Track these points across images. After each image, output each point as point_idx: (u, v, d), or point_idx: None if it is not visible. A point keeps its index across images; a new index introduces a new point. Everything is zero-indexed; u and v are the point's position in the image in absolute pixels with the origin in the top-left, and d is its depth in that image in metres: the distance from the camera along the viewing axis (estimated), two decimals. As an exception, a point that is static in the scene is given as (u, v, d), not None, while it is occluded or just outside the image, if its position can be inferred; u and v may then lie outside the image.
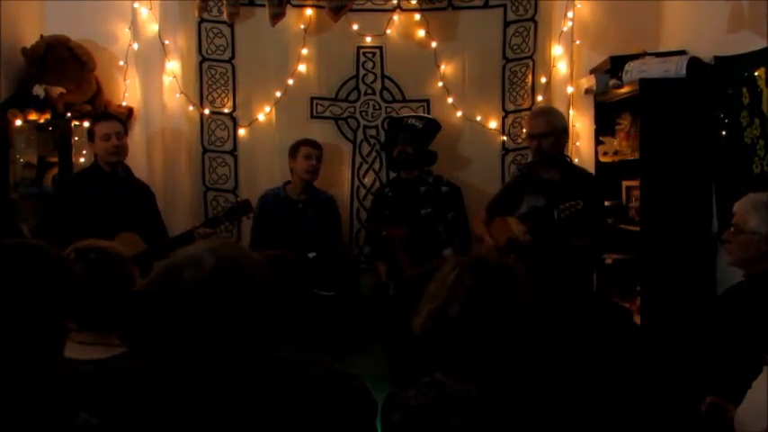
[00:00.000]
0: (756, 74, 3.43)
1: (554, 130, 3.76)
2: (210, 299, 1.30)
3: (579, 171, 3.95)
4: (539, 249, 3.49)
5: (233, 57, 4.67)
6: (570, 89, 4.60)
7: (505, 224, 3.72)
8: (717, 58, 3.81)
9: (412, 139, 4.31)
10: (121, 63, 4.67)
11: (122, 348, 1.96)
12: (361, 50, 4.67)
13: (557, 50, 4.61)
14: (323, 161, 4.38)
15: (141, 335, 1.34)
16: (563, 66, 4.61)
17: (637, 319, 3.93)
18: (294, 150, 4.33)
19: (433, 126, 4.48)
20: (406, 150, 4.28)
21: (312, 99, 4.68)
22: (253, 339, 1.35)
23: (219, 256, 1.34)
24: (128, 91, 4.67)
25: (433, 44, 4.63)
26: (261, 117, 4.67)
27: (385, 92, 4.69)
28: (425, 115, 4.57)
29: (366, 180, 4.73)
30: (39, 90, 4.32)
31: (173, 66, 4.62)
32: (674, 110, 3.84)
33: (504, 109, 4.68)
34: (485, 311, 1.64)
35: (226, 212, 4.12)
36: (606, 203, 4.30)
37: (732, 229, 2.62)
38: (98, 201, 3.81)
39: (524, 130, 4.33)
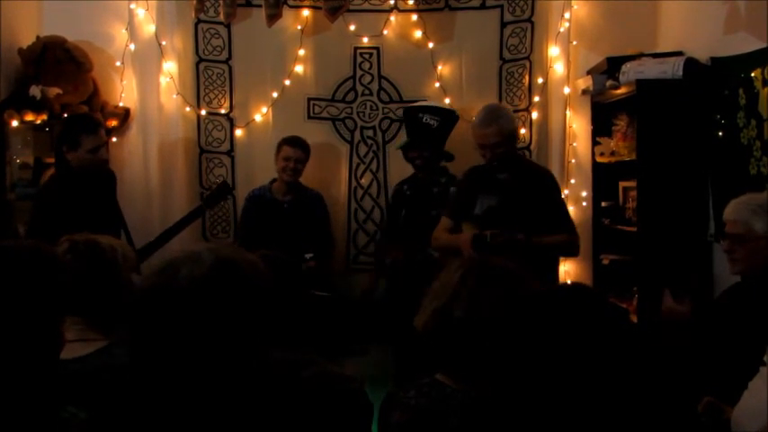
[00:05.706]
0: (753, 75, 3.43)
1: (505, 137, 3.49)
2: (207, 295, 1.30)
3: (532, 167, 3.83)
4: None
5: (230, 57, 4.66)
6: (567, 90, 4.61)
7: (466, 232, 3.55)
8: (713, 59, 3.81)
9: (428, 141, 4.21)
10: (118, 64, 4.66)
11: (103, 343, 1.95)
12: (358, 51, 4.66)
13: (554, 51, 4.61)
14: (320, 162, 4.34)
15: (137, 330, 1.34)
16: (560, 67, 4.62)
17: (633, 320, 3.93)
18: (278, 148, 4.27)
19: (449, 120, 4.32)
20: (423, 155, 4.19)
21: (309, 100, 4.67)
22: (249, 339, 1.35)
23: (218, 254, 1.34)
24: (124, 92, 4.67)
25: (430, 45, 4.62)
26: (258, 118, 4.67)
27: (382, 92, 4.69)
28: (441, 106, 4.42)
29: (363, 181, 4.72)
30: (35, 91, 4.30)
31: (170, 66, 4.61)
32: (670, 111, 3.84)
33: (501, 110, 4.67)
34: (486, 313, 1.65)
35: (206, 199, 4.08)
36: (603, 204, 4.30)
37: (729, 239, 2.51)
38: (75, 206, 3.56)
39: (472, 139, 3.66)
